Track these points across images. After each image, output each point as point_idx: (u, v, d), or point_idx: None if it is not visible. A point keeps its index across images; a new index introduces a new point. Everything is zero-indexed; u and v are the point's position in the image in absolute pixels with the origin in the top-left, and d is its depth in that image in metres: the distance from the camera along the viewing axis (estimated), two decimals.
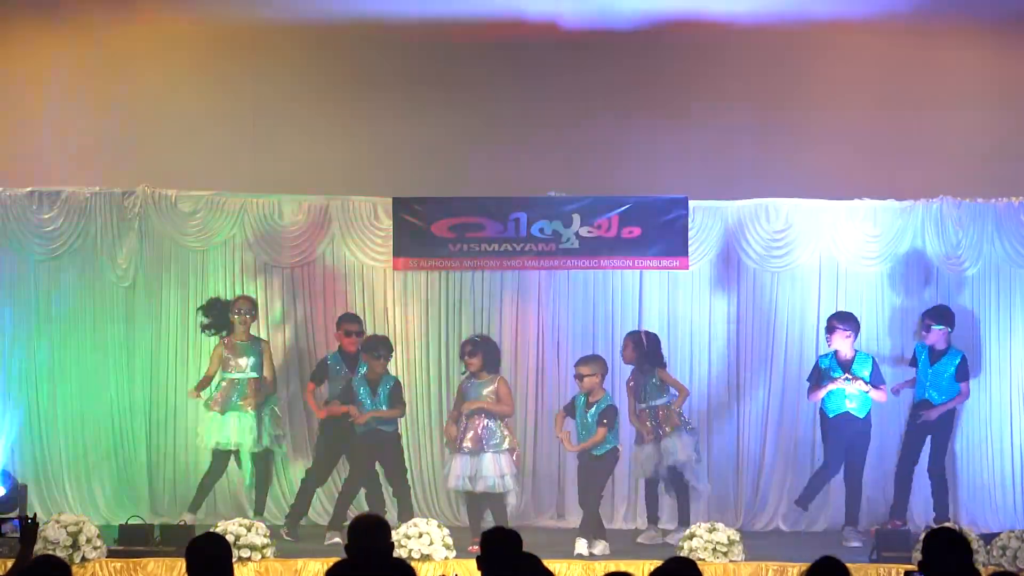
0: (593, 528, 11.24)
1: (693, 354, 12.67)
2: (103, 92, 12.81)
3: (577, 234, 12.44)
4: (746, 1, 12.72)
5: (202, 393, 12.05)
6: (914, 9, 12.73)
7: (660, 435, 11.62)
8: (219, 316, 12.01)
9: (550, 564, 6.69)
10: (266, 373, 12.11)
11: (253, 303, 12.22)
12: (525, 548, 6.70)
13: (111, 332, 12.74)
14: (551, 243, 12.45)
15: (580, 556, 10.93)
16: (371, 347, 11.74)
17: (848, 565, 6.29)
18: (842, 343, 11.77)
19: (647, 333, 11.92)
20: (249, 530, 10.60)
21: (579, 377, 11.37)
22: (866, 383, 11.70)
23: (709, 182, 12.66)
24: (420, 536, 10.59)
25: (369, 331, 12.56)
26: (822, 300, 12.66)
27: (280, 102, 12.84)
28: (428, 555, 10.53)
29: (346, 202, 12.78)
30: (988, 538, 10.83)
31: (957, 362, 11.89)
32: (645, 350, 11.72)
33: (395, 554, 9.78)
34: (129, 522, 11.13)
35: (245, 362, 12.00)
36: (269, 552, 10.64)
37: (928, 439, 12.05)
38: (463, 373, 11.64)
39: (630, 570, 10.50)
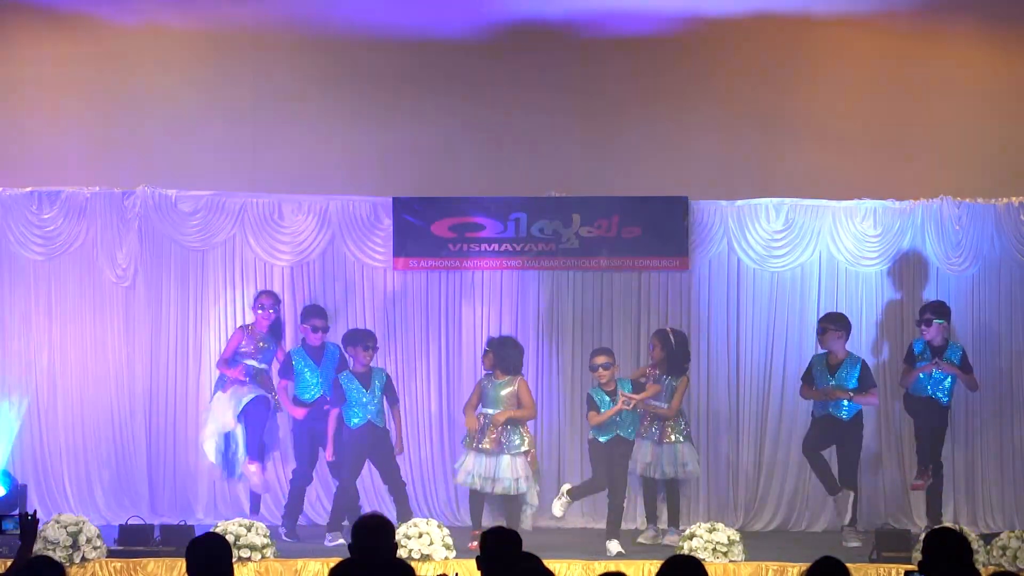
0: (619, 523, 11.37)
1: (693, 354, 12.64)
2: (103, 92, 12.81)
3: (577, 234, 12.45)
4: (746, 1, 12.72)
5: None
6: (914, 9, 12.73)
7: (660, 438, 11.61)
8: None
9: (550, 564, 6.68)
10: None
11: (275, 298, 12.15)
12: (527, 548, 6.70)
13: (111, 332, 12.74)
14: (551, 243, 12.46)
15: (621, 556, 10.96)
16: (361, 340, 11.66)
17: (848, 565, 6.28)
18: (835, 344, 11.76)
19: (675, 331, 11.87)
20: (249, 530, 10.60)
21: (601, 367, 11.32)
22: (851, 390, 11.65)
23: (709, 182, 12.66)
24: (420, 536, 10.59)
25: (371, 331, 12.56)
26: (822, 300, 12.66)
27: (280, 102, 12.84)
28: (428, 555, 10.53)
29: (346, 202, 12.78)
30: (988, 538, 10.83)
31: (960, 355, 11.85)
32: (673, 349, 11.69)
33: (396, 554, 9.83)
34: (129, 522, 11.13)
35: (258, 355, 11.95)
36: (269, 552, 10.64)
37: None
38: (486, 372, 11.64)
39: (630, 571, 10.62)
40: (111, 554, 10.71)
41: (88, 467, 12.72)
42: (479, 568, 6.69)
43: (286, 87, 12.85)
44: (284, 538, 11.53)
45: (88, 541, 10.56)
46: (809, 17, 12.74)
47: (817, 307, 12.59)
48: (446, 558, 10.57)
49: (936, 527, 9.35)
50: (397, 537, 10.41)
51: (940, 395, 11.83)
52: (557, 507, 11.39)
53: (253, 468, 11.77)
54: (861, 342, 12.56)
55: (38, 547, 10.18)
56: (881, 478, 12.61)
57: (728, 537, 10.66)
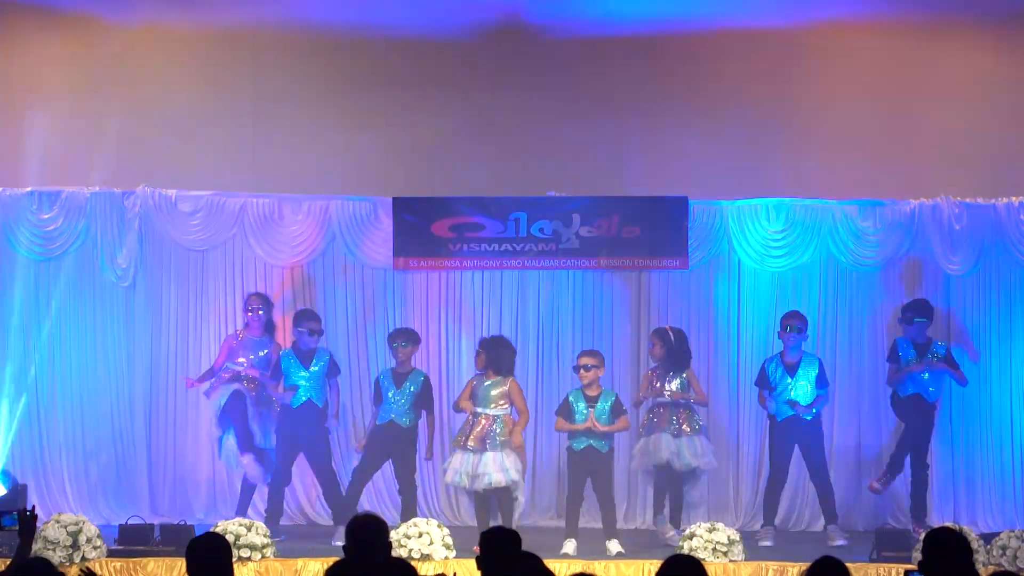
0: (615, 525, 11.37)
1: (693, 354, 12.64)
2: (103, 92, 12.81)
3: (577, 234, 12.45)
4: (746, 2, 12.72)
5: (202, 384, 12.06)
6: (914, 10, 12.73)
7: (677, 432, 11.61)
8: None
9: (550, 564, 6.68)
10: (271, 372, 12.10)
11: (266, 300, 12.16)
12: (525, 548, 6.70)
13: (111, 332, 12.74)
14: (551, 243, 12.46)
15: (620, 556, 10.97)
16: (400, 337, 11.75)
17: (848, 565, 6.28)
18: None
19: (673, 329, 11.90)
20: (249, 530, 10.60)
21: (583, 368, 11.34)
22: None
23: (709, 182, 12.66)
24: (420, 536, 10.59)
25: (370, 331, 12.58)
26: (822, 300, 12.66)
27: (280, 102, 12.84)
28: (428, 555, 10.53)
29: (346, 202, 12.78)
30: (988, 538, 10.82)
31: (943, 354, 11.89)
32: (673, 347, 11.71)
33: (395, 554, 9.82)
34: (129, 522, 11.13)
35: (250, 359, 11.96)
36: (269, 552, 10.64)
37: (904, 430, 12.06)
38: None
39: (630, 571, 10.63)
40: (111, 554, 10.71)
41: (88, 467, 12.71)
42: (479, 568, 6.70)
43: (286, 87, 12.85)
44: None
45: (88, 541, 10.56)
46: (809, 18, 12.75)
47: (817, 307, 12.60)
48: (446, 558, 10.57)
49: (936, 527, 9.34)
50: (397, 537, 10.46)
51: (926, 393, 11.85)
52: (570, 548, 11.30)
53: (247, 460, 11.76)
54: (861, 342, 12.57)
55: (38, 546, 10.20)
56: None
57: (728, 537, 10.67)
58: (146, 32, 12.86)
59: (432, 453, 11.91)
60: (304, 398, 11.74)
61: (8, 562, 7.29)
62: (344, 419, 12.56)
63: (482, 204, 12.49)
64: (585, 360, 11.40)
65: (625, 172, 12.75)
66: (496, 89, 12.84)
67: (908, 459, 11.92)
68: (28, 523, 7.20)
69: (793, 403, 11.66)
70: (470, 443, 11.27)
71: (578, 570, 10.37)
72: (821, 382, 11.76)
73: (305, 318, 11.90)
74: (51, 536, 10.47)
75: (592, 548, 11.19)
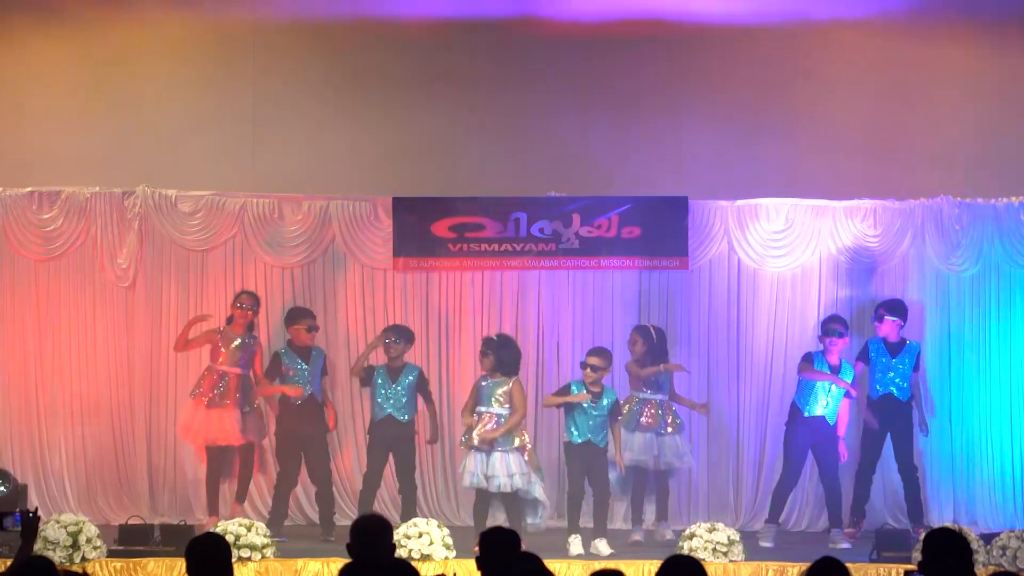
0: (606, 523, 11.35)
1: (693, 354, 12.65)
2: (103, 92, 12.81)
3: (577, 234, 12.44)
4: (747, 1, 12.73)
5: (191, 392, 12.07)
6: (914, 8, 12.74)
7: (661, 430, 11.62)
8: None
9: (550, 564, 6.68)
10: (256, 370, 12.07)
11: (256, 298, 12.18)
12: (524, 548, 6.70)
13: (111, 332, 12.73)
14: (551, 243, 12.45)
15: (612, 556, 10.95)
16: (394, 334, 11.79)
17: (848, 565, 6.28)
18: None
19: (656, 328, 11.91)
20: (249, 530, 10.59)
21: (591, 367, 11.27)
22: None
23: (709, 182, 12.66)
24: (420, 536, 10.58)
25: (370, 331, 12.56)
26: (822, 300, 12.65)
27: (280, 102, 12.84)
28: (428, 555, 10.52)
29: (346, 202, 12.78)
30: (988, 538, 10.82)
31: (917, 353, 11.92)
32: (655, 345, 11.72)
33: (395, 554, 9.81)
34: (129, 522, 11.13)
35: (233, 357, 11.94)
36: (269, 552, 10.63)
37: (889, 436, 12.01)
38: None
39: (629, 571, 10.62)
40: (111, 554, 10.70)
41: (88, 467, 12.71)
42: (479, 568, 6.69)
43: (286, 87, 12.86)
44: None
45: (88, 541, 10.55)
46: (809, 18, 12.75)
47: (817, 307, 12.59)
48: (446, 558, 10.56)
49: (936, 527, 9.34)
50: (397, 537, 10.44)
51: (896, 390, 11.84)
52: (577, 546, 11.28)
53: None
54: (861, 342, 12.56)
55: (38, 547, 10.18)
56: (881, 478, 12.60)
57: (728, 537, 10.66)
58: (146, 32, 12.86)
59: (438, 437, 11.91)
60: (306, 394, 11.78)
61: (8, 562, 7.29)
62: (343, 420, 12.62)
63: (482, 204, 12.48)
64: (595, 360, 11.30)
65: (625, 172, 12.74)
66: (496, 89, 12.84)
67: (896, 466, 11.92)
68: (31, 524, 7.21)
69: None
70: (480, 443, 11.23)
71: (608, 567, 10.43)
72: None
73: (302, 315, 11.92)
74: (51, 536, 10.46)
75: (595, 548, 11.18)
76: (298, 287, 12.85)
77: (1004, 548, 10.62)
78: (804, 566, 6.49)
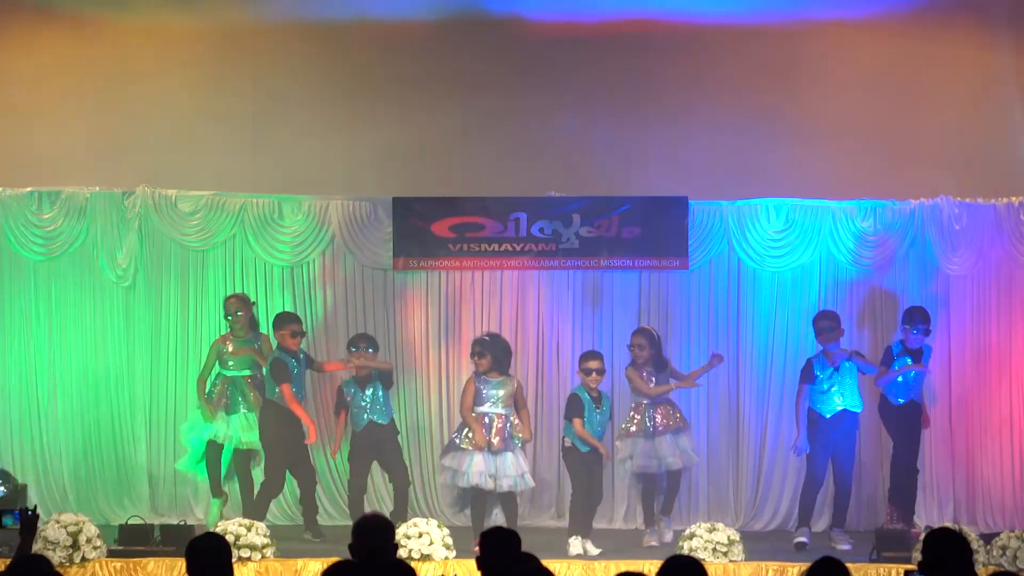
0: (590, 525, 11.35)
1: (693, 354, 12.65)
2: (102, 92, 12.81)
3: (577, 234, 12.45)
4: (747, 1, 12.73)
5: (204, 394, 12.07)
6: (914, 8, 12.74)
7: (655, 432, 11.57)
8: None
9: (550, 564, 6.68)
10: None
11: (241, 300, 12.07)
12: (525, 548, 6.70)
13: (111, 332, 12.73)
14: (551, 243, 12.46)
15: (600, 555, 10.95)
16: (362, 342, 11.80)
17: (848, 565, 6.28)
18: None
19: (655, 330, 11.88)
20: (249, 530, 10.60)
21: (591, 372, 11.28)
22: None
23: (709, 182, 12.66)
24: (420, 536, 10.58)
25: (370, 332, 12.56)
26: (822, 300, 12.65)
27: (280, 102, 12.84)
28: (428, 555, 10.52)
29: (346, 202, 12.78)
30: (988, 538, 10.82)
31: (929, 353, 11.88)
32: (659, 346, 11.70)
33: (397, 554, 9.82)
34: (129, 522, 11.13)
35: (240, 361, 11.98)
36: (269, 552, 10.63)
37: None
38: (478, 372, 11.50)
39: (632, 570, 10.60)
40: (111, 554, 10.70)
41: (88, 467, 12.71)
42: (479, 568, 6.69)
43: (286, 87, 12.85)
44: (313, 539, 11.67)
45: (88, 541, 10.55)
46: (809, 18, 12.75)
47: (817, 307, 12.58)
48: (446, 558, 10.56)
49: (936, 527, 9.33)
50: (397, 537, 10.44)
51: (916, 396, 11.81)
52: (577, 546, 11.24)
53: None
54: (861, 342, 12.56)
55: (38, 546, 10.18)
56: (881, 478, 12.61)
57: (728, 537, 10.65)
58: (146, 32, 12.86)
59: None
60: (300, 397, 11.80)
61: (8, 562, 7.29)
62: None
63: (482, 204, 12.48)
64: (595, 364, 11.35)
65: (625, 172, 12.74)
66: (496, 89, 12.84)
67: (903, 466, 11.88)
68: (29, 522, 7.20)
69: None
70: (495, 444, 11.22)
71: (571, 573, 10.43)
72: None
73: (288, 320, 11.85)
74: (51, 536, 10.46)
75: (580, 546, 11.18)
76: (298, 287, 12.84)
77: (1004, 548, 10.62)
78: (804, 566, 6.48)
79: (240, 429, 11.92)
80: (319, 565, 10.50)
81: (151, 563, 10.62)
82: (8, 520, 7.28)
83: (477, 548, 10.22)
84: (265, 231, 12.77)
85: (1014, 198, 12.55)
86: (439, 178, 12.71)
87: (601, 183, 12.64)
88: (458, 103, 12.81)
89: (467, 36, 12.87)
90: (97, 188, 12.67)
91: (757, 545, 11.25)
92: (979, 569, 9.92)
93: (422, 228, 12.45)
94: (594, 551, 11.08)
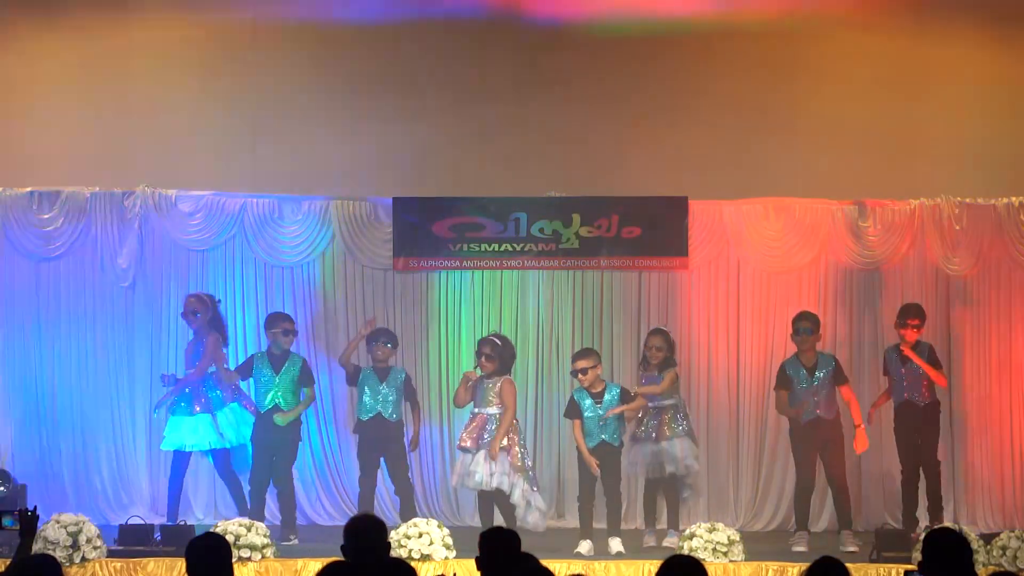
0: (619, 523, 11.31)
1: (693, 354, 12.66)
2: (103, 92, 12.81)
3: (577, 234, 12.45)
4: (747, 1, 12.73)
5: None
6: (914, 8, 12.74)
7: (657, 436, 11.54)
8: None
9: (550, 564, 6.68)
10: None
11: (200, 300, 11.87)
12: (525, 548, 6.70)
13: (111, 332, 12.74)
14: (551, 243, 12.46)
15: (620, 555, 10.90)
16: (382, 337, 11.74)
17: (848, 565, 6.28)
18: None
19: (671, 333, 11.78)
20: (249, 530, 10.60)
21: (580, 372, 11.21)
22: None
23: (709, 182, 12.66)
24: (420, 536, 10.58)
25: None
26: (822, 300, 12.65)
27: (280, 102, 12.84)
28: (428, 555, 10.52)
29: (346, 202, 12.78)
30: (988, 538, 10.81)
31: (928, 351, 11.74)
32: (673, 346, 11.65)
33: (395, 554, 9.81)
34: (129, 522, 11.13)
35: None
36: (269, 552, 10.63)
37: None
38: (480, 373, 11.40)
39: (630, 571, 10.61)
40: (111, 554, 10.69)
41: (88, 467, 12.71)
42: (478, 568, 6.69)
43: (286, 87, 12.86)
44: (292, 541, 11.50)
45: (88, 541, 10.55)
46: (809, 17, 12.75)
47: (817, 307, 12.58)
48: (446, 558, 10.55)
49: (936, 527, 9.34)
50: (397, 537, 10.45)
51: (916, 396, 11.74)
52: (586, 547, 11.26)
53: None
54: (862, 342, 12.56)
55: (38, 547, 10.18)
56: (881, 478, 12.61)
57: (728, 537, 10.65)
58: (146, 31, 12.86)
59: (417, 444, 11.86)
60: (271, 404, 11.65)
61: (8, 562, 7.28)
62: (328, 425, 12.64)
63: (482, 204, 12.49)
64: (582, 364, 11.23)
65: (625, 172, 12.74)
66: (496, 89, 12.84)
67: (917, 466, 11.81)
68: (29, 523, 7.20)
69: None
70: (466, 443, 11.21)
71: (577, 571, 10.41)
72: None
73: (279, 319, 11.79)
74: (51, 536, 10.45)
75: (596, 547, 11.16)
76: (298, 287, 12.85)
77: (1004, 548, 10.61)
78: (804, 566, 6.48)
79: (194, 431, 11.76)
80: (319, 565, 10.44)
81: (151, 563, 10.62)
82: (8, 521, 7.27)
83: None
84: (265, 231, 12.77)
85: (1014, 198, 12.55)
86: (439, 178, 12.72)
87: (601, 183, 12.64)
88: (458, 103, 12.81)
89: (467, 37, 12.86)
90: (97, 188, 12.67)
91: (757, 545, 11.24)
92: (979, 569, 9.91)
93: (422, 228, 12.45)
94: (616, 549, 11.02)
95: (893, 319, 12.32)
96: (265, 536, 10.64)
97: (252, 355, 11.95)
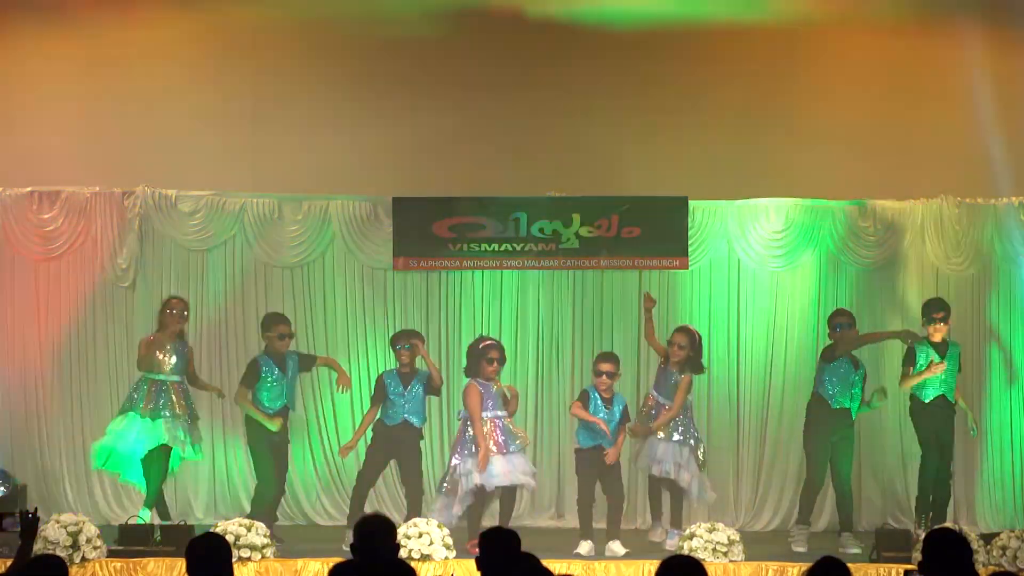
0: (619, 524, 11.31)
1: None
2: (103, 92, 12.81)
3: (577, 234, 12.45)
4: (746, 1, 12.73)
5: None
6: (914, 8, 12.74)
7: (667, 438, 11.47)
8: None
9: (550, 564, 6.68)
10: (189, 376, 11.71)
11: (184, 303, 11.74)
12: (525, 548, 6.70)
13: (111, 332, 12.73)
14: (551, 243, 12.46)
15: (628, 556, 10.90)
16: (405, 338, 11.64)
17: (848, 565, 6.28)
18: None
19: (698, 332, 11.74)
20: (249, 530, 10.59)
21: (605, 374, 11.20)
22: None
23: (709, 182, 12.66)
24: (420, 536, 10.58)
25: (370, 332, 12.57)
26: (822, 300, 12.65)
27: (280, 102, 12.84)
28: (428, 555, 10.52)
29: (346, 202, 12.78)
30: (988, 538, 10.82)
31: (959, 353, 11.66)
32: (698, 345, 11.58)
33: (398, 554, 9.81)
34: (129, 522, 11.12)
35: (169, 362, 11.56)
36: (269, 552, 10.63)
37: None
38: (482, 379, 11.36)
39: (630, 571, 10.61)
40: (111, 554, 10.69)
41: (88, 467, 12.70)
42: (479, 568, 6.69)
43: (286, 87, 12.85)
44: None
45: (88, 541, 10.54)
46: (809, 17, 12.75)
47: (817, 307, 12.60)
48: (446, 558, 10.56)
49: (936, 527, 9.34)
50: (397, 537, 10.43)
51: (949, 393, 11.64)
52: (586, 548, 11.21)
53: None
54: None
55: (38, 547, 10.17)
56: (881, 478, 12.62)
57: (728, 537, 10.65)
58: (146, 31, 12.86)
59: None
60: (279, 404, 11.56)
61: (8, 563, 7.29)
62: (329, 426, 12.64)
63: (482, 204, 12.49)
64: (610, 367, 11.23)
65: (625, 172, 12.74)
66: (496, 89, 12.84)
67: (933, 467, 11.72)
68: (30, 525, 7.20)
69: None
70: (492, 447, 11.16)
71: (577, 571, 10.41)
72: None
73: (277, 321, 11.68)
74: (51, 536, 10.45)
75: (597, 547, 11.15)
76: (298, 287, 12.84)
77: (1004, 548, 10.62)
78: (804, 566, 6.48)
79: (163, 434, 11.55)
80: (319, 565, 10.50)
81: (151, 563, 10.62)
82: (9, 523, 7.27)
83: (473, 548, 10.27)
84: (265, 231, 12.77)
85: (1014, 198, 12.55)
86: (439, 178, 12.71)
87: (601, 183, 12.64)
88: (458, 103, 12.81)
89: (467, 36, 12.86)
90: (97, 188, 12.68)
91: (757, 545, 11.24)
92: (979, 569, 9.91)
93: (422, 228, 12.45)
94: (621, 551, 11.00)
95: (893, 319, 12.35)
96: (265, 536, 10.64)
97: (256, 359, 11.68)
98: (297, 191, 12.80)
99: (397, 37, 12.84)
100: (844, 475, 11.58)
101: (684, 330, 11.66)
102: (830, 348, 11.63)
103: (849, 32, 12.78)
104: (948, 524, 10.97)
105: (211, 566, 6.29)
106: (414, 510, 11.42)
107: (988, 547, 10.60)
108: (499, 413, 11.24)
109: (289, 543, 11.31)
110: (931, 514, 11.39)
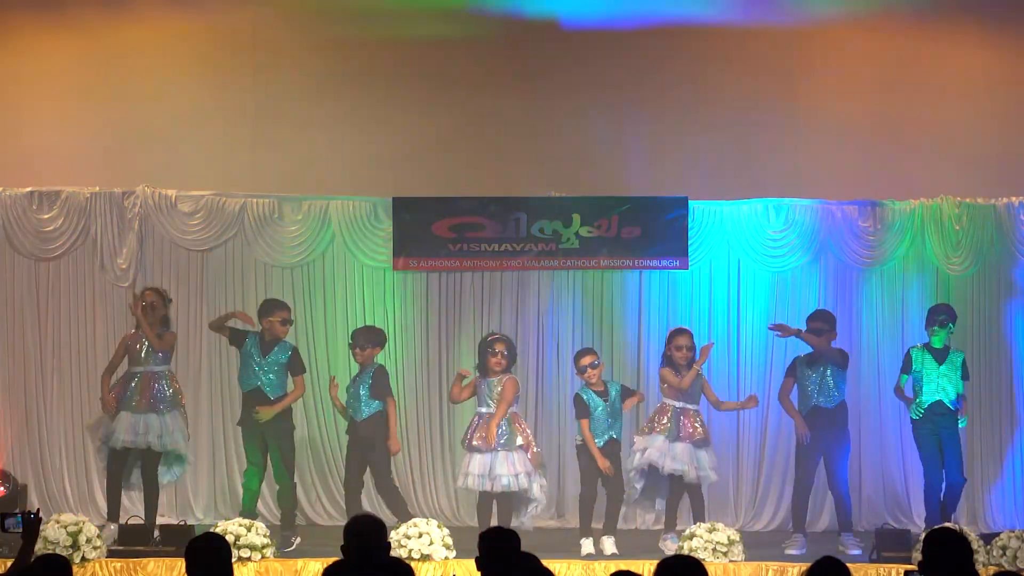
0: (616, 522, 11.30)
1: (693, 354, 12.63)
2: (103, 91, 12.82)
3: (577, 234, 12.45)
4: (747, 0, 12.74)
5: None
6: (914, 8, 12.74)
7: (678, 437, 11.39)
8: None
9: (550, 564, 6.68)
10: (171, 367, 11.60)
11: (160, 294, 11.53)
12: (525, 548, 6.70)
13: (111, 332, 12.73)
14: (551, 243, 12.46)
15: (614, 556, 10.88)
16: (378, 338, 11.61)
17: (848, 565, 6.28)
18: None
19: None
20: (249, 530, 10.59)
21: (590, 367, 11.17)
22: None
23: (709, 182, 12.66)
24: (420, 536, 10.57)
25: None
26: (822, 300, 12.65)
27: (280, 102, 12.85)
28: (428, 555, 10.52)
29: (346, 202, 12.78)
30: (988, 538, 10.82)
31: (961, 360, 11.54)
32: (695, 350, 11.53)
33: (394, 554, 9.81)
34: (129, 522, 11.12)
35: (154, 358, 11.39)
36: (269, 552, 10.63)
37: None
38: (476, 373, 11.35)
39: (633, 569, 10.58)
40: (111, 554, 10.70)
41: (88, 467, 12.71)
42: (479, 568, 6.69)
43: (286, 87, 12.86)
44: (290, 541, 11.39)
45: (88, 541, 10.54)
46: (809, 17, 12.76)
47: (817, 307, 12.58)
48: (446, 558, 10.55)
49: (936, 527, 9.33)
50: (397, 537, 10.44)
51: (945, 398, 11.64)
52: (588, 546, 11.19)
53: None
54: (860, 342, 12.56)
55: (38, 547, 10.16)
56: (881, 478, 12.62)
57: (728, 537, 10.65)
58: (146, 31, 12.86)
59: (398, 444, 11.58)
60: (254, 384, 11.35)
61: (9, 563, 7.28)
62: (329, 425, 12.63)
63: (482, 204, 12.49)
64: (589, 359, 11.21)
65: (625, 172, 12.74)
66: (496, 89, 12.84)
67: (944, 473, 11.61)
68: (32, 526, 7.20)
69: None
70: (476, 443, 11.12)
71: (577, 571, 10.41)
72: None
73: (277, 307, 11.50)
74: (51, 536, 10.45)
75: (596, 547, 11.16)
76: (298, 287, 12.85)
77: (1004, 548, 10.62)
78: (804, 566, 6.48)
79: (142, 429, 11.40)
80: (319, 565, 10.50)
81: (151, 563, 10.62)
82: (11, 523, 7.27)
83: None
84: (265, 231, 12.77)
85: (1014, 198, 12.55)
86: (439, 178, 12.71)
87: (601, 183, 12.64)
88: (458, 103, 12.82)
89: (467, 37, 12.86)
90: (97, 188, 12.68)
91: (757, 545, 11.24)
92: (979, 569, 9.91)
93: (422, 228, 12.45)
94: (610, 550, 10.98)
95: (893, 319, 12.35)
96: (265, 536, 10.64)
97: (244, 332, 11.47)
98: (297, 191, 12.80)
99: (397, 37, 12.85)
100: (838, 476, 11.51)
101: (683, 332, 11.61)
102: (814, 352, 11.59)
103: (850, 32, 12.79)
104: (948, 524, 10.96)
105: (211, 566, 6.29)
106: (396, 511, 11.25)
107: (988, 547, 10.60)
108: (489, 410, 11.14)
109: (291, 547, 11.26)
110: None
